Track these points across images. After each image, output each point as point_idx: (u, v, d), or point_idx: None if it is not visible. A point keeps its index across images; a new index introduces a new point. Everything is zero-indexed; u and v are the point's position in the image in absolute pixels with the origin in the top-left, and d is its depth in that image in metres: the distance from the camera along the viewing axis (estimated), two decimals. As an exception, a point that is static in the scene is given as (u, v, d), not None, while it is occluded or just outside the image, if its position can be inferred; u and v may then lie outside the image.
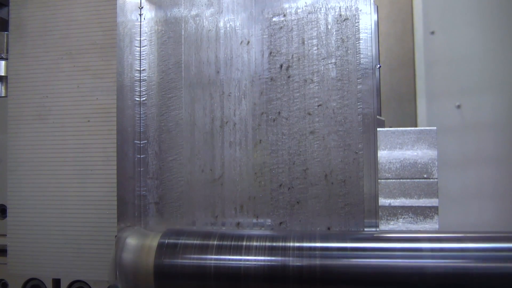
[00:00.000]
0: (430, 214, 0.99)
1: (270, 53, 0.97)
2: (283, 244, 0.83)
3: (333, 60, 0.94)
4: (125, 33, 0.95)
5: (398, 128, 1.03)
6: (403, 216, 1.00)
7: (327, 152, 0.94)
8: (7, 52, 0.99)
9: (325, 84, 0.94)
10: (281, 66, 0.96)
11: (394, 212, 1.00)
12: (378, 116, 0.98)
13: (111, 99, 0.91)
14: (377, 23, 1.11)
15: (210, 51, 1.00)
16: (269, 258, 0.82)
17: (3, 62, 1.03)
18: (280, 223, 0.96)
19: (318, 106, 0.95)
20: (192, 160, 0.99)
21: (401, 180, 1.01)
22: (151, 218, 1.00)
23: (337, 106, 0.94)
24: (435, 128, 1.02)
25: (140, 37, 1.01)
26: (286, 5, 0.97)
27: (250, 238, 0.85)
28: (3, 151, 1.00)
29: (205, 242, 0.86)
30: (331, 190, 0.93)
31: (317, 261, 0.80)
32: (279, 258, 0.82)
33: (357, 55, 0.93)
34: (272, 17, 0.97)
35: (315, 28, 0.95)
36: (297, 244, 0.83)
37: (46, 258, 0.91)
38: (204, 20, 1.00)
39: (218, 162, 0.98)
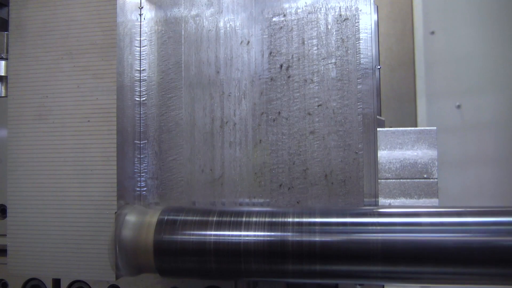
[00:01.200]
0: (430, 214, 0.99)
1: (270, 53, 0.97)
2: (283, 219, 0.83)
3: (333, 60, 0.94)
4: (125, 33, 0.95)
5: (398, 128, 1.03)
6: (403, 216, 1.00)
7: (327, 152, 0.94)
8: (7, 52, 0.99)
9: (325, 84, 0.94)
10: (281, 66, 0.96)
11: (394, 212, 1.00)
12: (378, 116, 0.98)
13: (111, 99, 0.90)
14: (377, 23, 1.11)
15: (210, 51, 1.00)
16: (268, 233, 0.81)
17: (3, 62, 1.03)
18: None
19: (318, 106, 0.94)
20: (192, 160, 0.99)
21: (401, 180, 1.01)
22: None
23: (337, 106, 0.94)
24: (435, 128, 1.02)
25: (140, 37, 1.01)
26: (286, 5, 0.97)
27: (249, 214, 0.85)
28: (3, 151, 1.00)
29: (205, 218, 0.85)
30: (331, 190, 0.93)
31: (317, 236, 0.80)
32: (278, 234, 0.81)
33: (357, 55, 0.93)
34: (272, 17, 0.97)
35: (315, 28, 0.95)
36: (296, 220, 0.82)
37: (46, 258, 0.91)
38: (204, 20, 1.00)
39: (218, 162, 0.98)
